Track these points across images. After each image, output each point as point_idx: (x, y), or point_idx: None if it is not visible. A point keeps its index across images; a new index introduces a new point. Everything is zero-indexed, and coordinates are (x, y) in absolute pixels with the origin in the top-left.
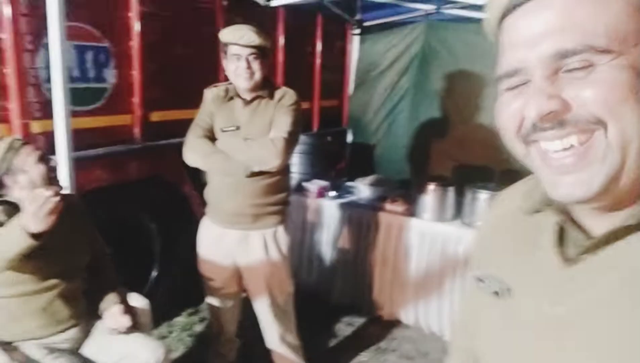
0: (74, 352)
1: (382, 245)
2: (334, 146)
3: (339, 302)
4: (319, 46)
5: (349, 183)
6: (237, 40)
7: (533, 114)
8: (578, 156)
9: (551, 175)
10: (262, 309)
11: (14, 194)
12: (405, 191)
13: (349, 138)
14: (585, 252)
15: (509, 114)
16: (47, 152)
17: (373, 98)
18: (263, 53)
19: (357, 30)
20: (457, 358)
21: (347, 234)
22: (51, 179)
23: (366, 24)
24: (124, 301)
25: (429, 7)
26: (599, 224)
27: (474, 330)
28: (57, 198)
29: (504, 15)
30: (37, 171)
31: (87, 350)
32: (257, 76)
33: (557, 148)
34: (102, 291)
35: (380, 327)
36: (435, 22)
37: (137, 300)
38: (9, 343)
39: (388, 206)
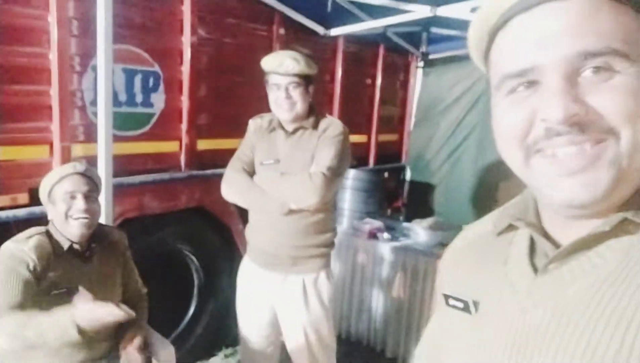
0: None
1: None
2: (390, 183)
3: (393, 354)
4: (379, 78)
5: (405, 225)
6: (276, 69)
7: (559, 116)
8: (588, 159)
9: (555, 177)
10: (300, 362)
11: (56, 225)
12: None
13: (408, 175)
14: (553, 261)
15: (516, 119)
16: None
17: (436, 135)
18: (306, 81)
19: (421, 63)
20: None
21: (401, 281)
22: (76, 220)
23: (431, 56)
24: (143, 339)
25: None
26: (569, 234)
27: (441, 351)
28: (120, 315)
29: (506, 18)
30: (62, 207)
31: None
32: (299, 106)
33: (568, 152)
34: (127, 330)
35: None
36: None
37: (163, 346)
38: None
39: None
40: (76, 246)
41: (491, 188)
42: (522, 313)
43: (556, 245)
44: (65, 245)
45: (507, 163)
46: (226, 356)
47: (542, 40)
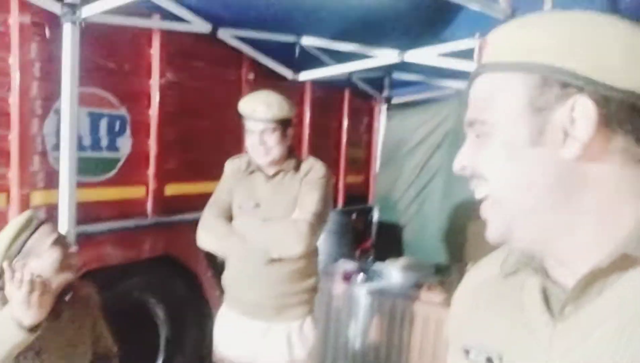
0: None
1: (419, 341)
2: (359, 225)
3: None
4: (345, 121)
5: (378, 266)
6: (250, 115)
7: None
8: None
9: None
10: None
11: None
12: (442, 277)
13: (375, 216)
14: (566, 305)
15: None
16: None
17: (401, 176)
18: (282, 125)
19: (385, 107)
20: None
21: (378, 325)
22: (67, 266)
23: (394, 101)
24: None
25: (460, 85)
26: (570, 277)
27: None
28: (44, 280)
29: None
30: (51, 255)
31: None
32: (275, 151)
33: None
34: None
35: None
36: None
37: None
38: None
39: (424, 294)
40: None
41: (460, 226)
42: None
43: (564, 287)
44: None
45: None
46: None
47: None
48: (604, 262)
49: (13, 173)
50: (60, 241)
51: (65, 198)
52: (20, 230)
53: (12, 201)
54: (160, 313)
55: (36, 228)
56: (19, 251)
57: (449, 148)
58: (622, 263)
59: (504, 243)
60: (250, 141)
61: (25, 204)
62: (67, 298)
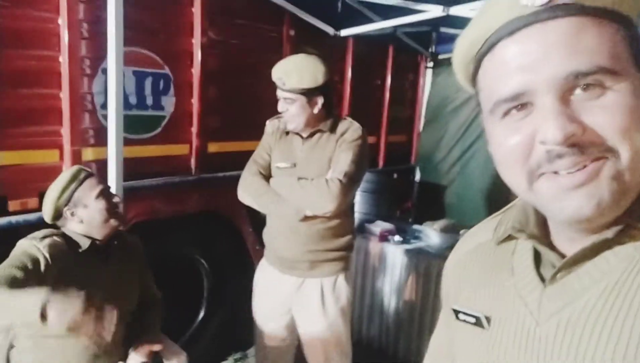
0: None
1: None
2: (400, 185)
3: (405, 358)
4: (389, 79)
5: (416, 227)
6: (276, 82)
7: (557, 137)
8: (589, 174)
9: (560, 194)
10: None
11: (74, 228)
12: None
13: (417, 176)
14: (560, 270)
15: (515, 143)
16: (109, 187)
17: (446, 135)
18: (307, 95)
19: (431, 63)
20: None
21: (413, 284)
22: (112, 215)
23: (441, 56)
24: (153, 346)
25: None
26: (575, 246)
27: None
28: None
29: (491, 44)
30: (97, 206)
31: None
32: (296, 121)
33: (571, 170)
34: (140, 335)
35: None
36: None
37: (175, 352)
38: None
39: None
40: (98, 242)
41: (504, 189)
42: (536, 325)
43: (562, 255)
44: (86, 244)
45: (509, 186)
46: (236, 361)
47: (531, 64)
48: (609, 233)
49: (65, 130)
50: (105, 192)
51: (113, 154)
52: (69, 182)
53: (65, 157)
54: (204, 265)
55: (83, 181)
56: (68, 201)
57: None
58: (625, 234)
59: (590, 220)
60: (280, 105)
61: (77, 160)
62: (114, 242)
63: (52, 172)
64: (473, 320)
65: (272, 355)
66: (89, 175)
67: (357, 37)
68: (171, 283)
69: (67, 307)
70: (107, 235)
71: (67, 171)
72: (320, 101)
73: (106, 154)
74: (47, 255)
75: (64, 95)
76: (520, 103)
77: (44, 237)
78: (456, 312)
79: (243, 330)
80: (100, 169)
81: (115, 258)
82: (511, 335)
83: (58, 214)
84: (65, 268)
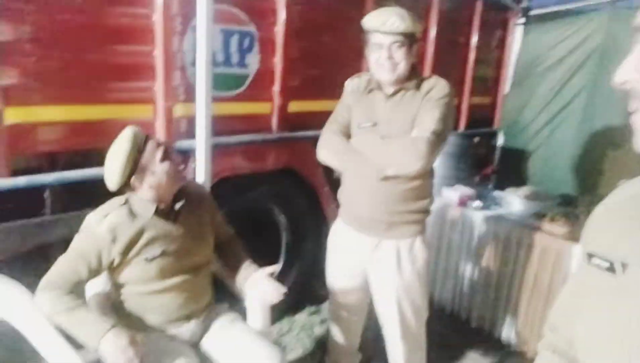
0: (193, 344)
1: (535, 270)
2: (481, 149)
3: (478, 325)
4: (474, 36)
5: (498, 193)
6: (379, 27)
7: None
8: None
9: None
10: (390, 328)
11: (142, 194)
12: (568, 209)
13: (500, 141)
14: None
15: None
16: (171, 146)
17: (534, 98)
18: (410, 41)
19: (522, 20)
20: (550, 344)
21: (492, 251)
22: (178, 174)
23: (533, 12)
24: (266, 269)
25: None
26: None
27: (579, 309)
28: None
29: None
30: (163, 169)
31: (206, 343)
32: (401, 67)
33: None
34: (234, 267)
35: None
36: (623, 11)
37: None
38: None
39: (546, 225)
40: (162, 206)
41: (596, 157)
42: None
43: None
44: (151, 210)
45: None
46: (311, 313)
47: None
48: None
49: (158, 86)
50: (167, 153)
51: (202, 111)
52: (131, 149)
53: (158, 113)
54: (282, 221)
55: (144, 145)
56: (134, 170)
57: (595, 69)
58: None
59: None
60: (377, 55)
61: (169, 115)
62: (177, 206)
63: (146, 127)
64: (606, 264)
65: (346, 312)
66: (147, 137)
67: None
68: (252, 236)
69: (118, 343)
70: (173, 194)
71: (123, 135)
72: (415, 51)
73: (194, 110)
74: (109, 238)
75: (158, 52)
76: None
77: (106, 215)
78: (589, 256)
79: (318, 284)
80: (189, 125)
81: (183, 214)
82: None
83: (125, 184)
84: (131, 241)
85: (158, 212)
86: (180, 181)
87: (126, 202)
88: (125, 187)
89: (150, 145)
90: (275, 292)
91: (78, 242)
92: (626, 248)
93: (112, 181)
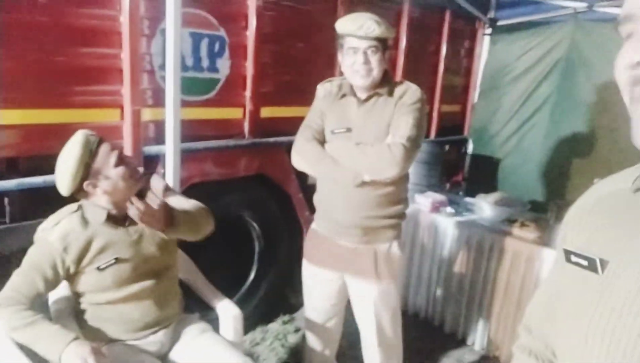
0: (161, 355)
1: (507, 275)
2: (451, 156)
3: (451, 331)
4: (444, 45)
5: (469, 199)
6: (355, 32)
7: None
8: None
9: None
10: (367, 334)
11: (96, 200)
12: (538, 215)
13: (470, 148)
14: None
15: (620, 62)
16: (123, 150)
17: (502, 106)
18: (384, 46)
19: (489, 30)
20: (526, 346)
21: (464, 257)
22: (134, 178)
23: (500, 23)
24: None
25: (579, 5)
26: None
27: (557, 308)
28: None
29: None
30: (117, 174)
31: (174, 355)
32: (376, 72)
33: None
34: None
35: None
36: (586, 23)
37: (228, 309)
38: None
39: (516, 230)
40: (114, 212)
41: (563, 164)
42: None
43: None
44: (102, 216)
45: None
46: (284, 322)
47: None
48: None
49: (126, 90)
50: (122, 157)
51: (171, 115)
52: (83, 152)
53: (125, 117)
54: (255, 228)
55: (97, 149)
56: (86, 174)
57: (560, 78)
58: None
59: None
60: (351, 60)
61: (136, 119)
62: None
63: (113, 131)
64: (586, 262)
65: (321, 318)
66: (100, 141)
67: (412, 1)
68: (224, 244)
69: (79, 354)
70: (127, 200)
71: (75, 139)
72: (388, 56)
73: (163, 115)
74: (61, 248)
75: (125, 55)
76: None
77: (56, 224)
78: (568, 254)
79: (292, 293)
80: (157, 130)
81: (137, 226)
82: (631, 280)
83: (77, 189)
84: (82, 249)
85: (110, 218)
86: (137, 185)
87: (79, 209)
88: (79, 193)
89: (103, 149)
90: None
91: (31, 254)
92: (606, 246)
93: (63, 187)
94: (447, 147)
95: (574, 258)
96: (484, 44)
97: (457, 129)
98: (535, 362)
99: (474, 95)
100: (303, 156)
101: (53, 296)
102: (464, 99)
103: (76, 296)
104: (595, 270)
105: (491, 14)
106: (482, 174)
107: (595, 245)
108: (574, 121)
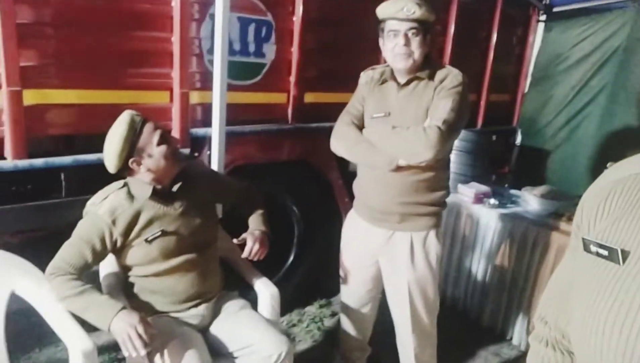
0: (202, 328)
1: (550, 270)
2: (498, 147)
3: (489, 325)
4: (495, 32)
5: (514, 192)
6: (395, 14)
7: None
8: None
9: None
10: (401, 321)
11: (140, 177)
12: None
13: (518, 139)
14: None
15: None
16: (168, 130)
17: (554, 96)
18: (425, 29)
19: (543, 17)
20: (543, 336)
21: (506, 250)
22: (175, 157)
23: (555, 9)
24: (265, 226)
25: None
26: None
27: (569, 301)
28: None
29: None
30: (160, 152)
31: (214, 329)
32: (417, 55)
33: None
34: (249, 216)
35: None
36: None
37: (266, 287)
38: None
39: (564, 225)
40: (159, 188)
41: (617, 158)
42: None
43: None
44: (148, 191)
45: None
46: (321, 306)
47: None
48: None
49: (175, 73)
50: (166, 136)
51: (218, 98)
52: (128, 131)
53: (174, 99)
54: (295, 211)
55: (141, 128)
56: (131, 152)
57: (618, 67)
58: None
59: None
60: (392, 43)
61: (185, 102)
62: (175, 188)
63: (162, 113)
64: (606, 252)
65: (356, 304)
66: (144, 121)
67: None
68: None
69: (128, 321)
70: (170, 177)
71: (121, 118)
72: (429, 40)
73: (210, 98)
74: (109, 221)
75: (175, 38)
76: None
77: (104, 199)
78: (587, 243)
79: (329, 278)
80: (204, 112)
81: (182, 195)
82: None
83: (123, 167)
84: (130, 223)
85: (155, 193)
86: (179, 164)
87: (125, 185)
88: (125, 170)
89: (147, 128)
90: (255, 251)
91: (81, 227)
92: (624, 236)
93: (110, 164)
94: (494, 137)
95: (593, 248)
96: (538, 32)
97: (505, 119)
98: (553, 352)
99: (525, 84)
100: (340, 140)
101: (103, 271)
102: (514, 88)
103: (124, 270)
104: (616, 260)
105: (547, 0)
106: (530, 166)
107: (615, 234)
108: (629, 113)
